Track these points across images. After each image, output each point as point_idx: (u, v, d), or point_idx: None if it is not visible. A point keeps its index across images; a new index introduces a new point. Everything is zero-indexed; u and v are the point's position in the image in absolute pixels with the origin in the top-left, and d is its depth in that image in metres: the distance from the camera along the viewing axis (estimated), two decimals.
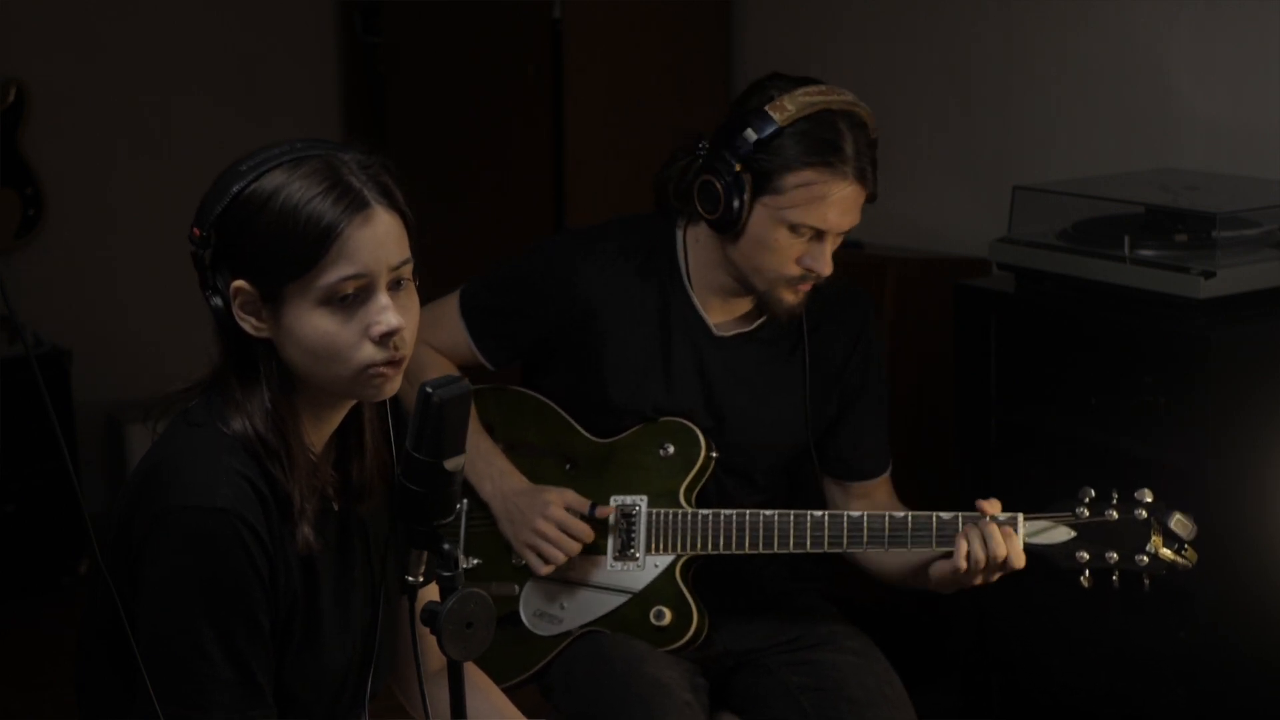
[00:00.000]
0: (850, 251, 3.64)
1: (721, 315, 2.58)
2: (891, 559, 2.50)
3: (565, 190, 4.14)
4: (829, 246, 2.46)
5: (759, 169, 2.43)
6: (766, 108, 2.43)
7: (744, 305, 2.58)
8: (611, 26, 4.12)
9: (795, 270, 2.46)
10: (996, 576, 2.36)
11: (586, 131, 4.13)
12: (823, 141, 2.41)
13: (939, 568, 2.40)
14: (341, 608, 1.96)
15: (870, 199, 2.48)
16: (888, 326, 3.46)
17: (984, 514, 2.35)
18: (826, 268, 2.46)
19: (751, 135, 2.43)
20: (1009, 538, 2.33)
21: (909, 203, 3.88)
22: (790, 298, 2.50)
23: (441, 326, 2.59)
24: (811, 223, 2.43)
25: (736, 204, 2.44)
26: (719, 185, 2.45)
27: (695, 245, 2.56)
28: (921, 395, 3.46)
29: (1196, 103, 3.27)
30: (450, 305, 2.62)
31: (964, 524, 2.36)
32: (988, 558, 2.32)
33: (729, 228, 2.47)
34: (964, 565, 2.34)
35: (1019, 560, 2.34)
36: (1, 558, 4.22)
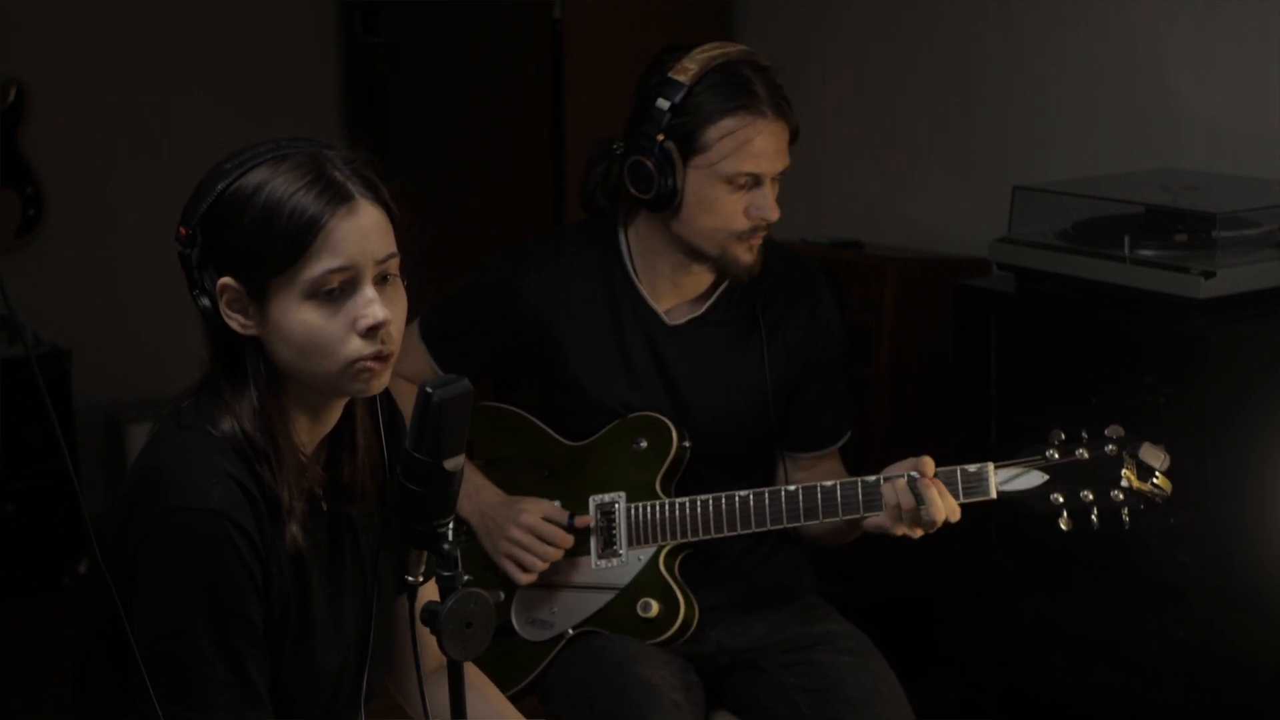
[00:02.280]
0: (850, 251, 3.64)
1: (671, 302, 2.58)
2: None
3: (565, 190, 4.14)
4: (769, 191, 2.48)
5: (681, 133, 2.46)
6: (670, 74, 2.46)
7: (694, 288, 2.59)
8: (611, 26, 4.12)
9: (744, 223, 2.48)
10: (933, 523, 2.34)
11: (586, 131, 4.12)
12: (734, 88, 2.44)
13: (870, 522, 2.38)
14: (334, 608, 1.96)
15: (794, 135, 2.50)
16: (888, 326, 3.46)
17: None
18: (773, 212, 2.48)
19: (664, 103, 2.46)
20: (924, 487, 2.31)
21: (909, 203, 3.88)
22: (745, 255, 2.51)
23: (406, 355, 2.59)
24: (746, 169, 2.45)
25: (669, 175, 2.46)
26: (648, 162, 2.47)
27: (636, 238, 2.57)
28: (921, 395, 3.46)
29: (1196, 103, 3.27)
30: (411, 333, 2.62)
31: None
32: (901, 509, 2.31)
33: (668, 201, 2.48)
34: (894, 510, 2.32)
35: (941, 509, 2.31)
36: (1, 558, 4.22)
